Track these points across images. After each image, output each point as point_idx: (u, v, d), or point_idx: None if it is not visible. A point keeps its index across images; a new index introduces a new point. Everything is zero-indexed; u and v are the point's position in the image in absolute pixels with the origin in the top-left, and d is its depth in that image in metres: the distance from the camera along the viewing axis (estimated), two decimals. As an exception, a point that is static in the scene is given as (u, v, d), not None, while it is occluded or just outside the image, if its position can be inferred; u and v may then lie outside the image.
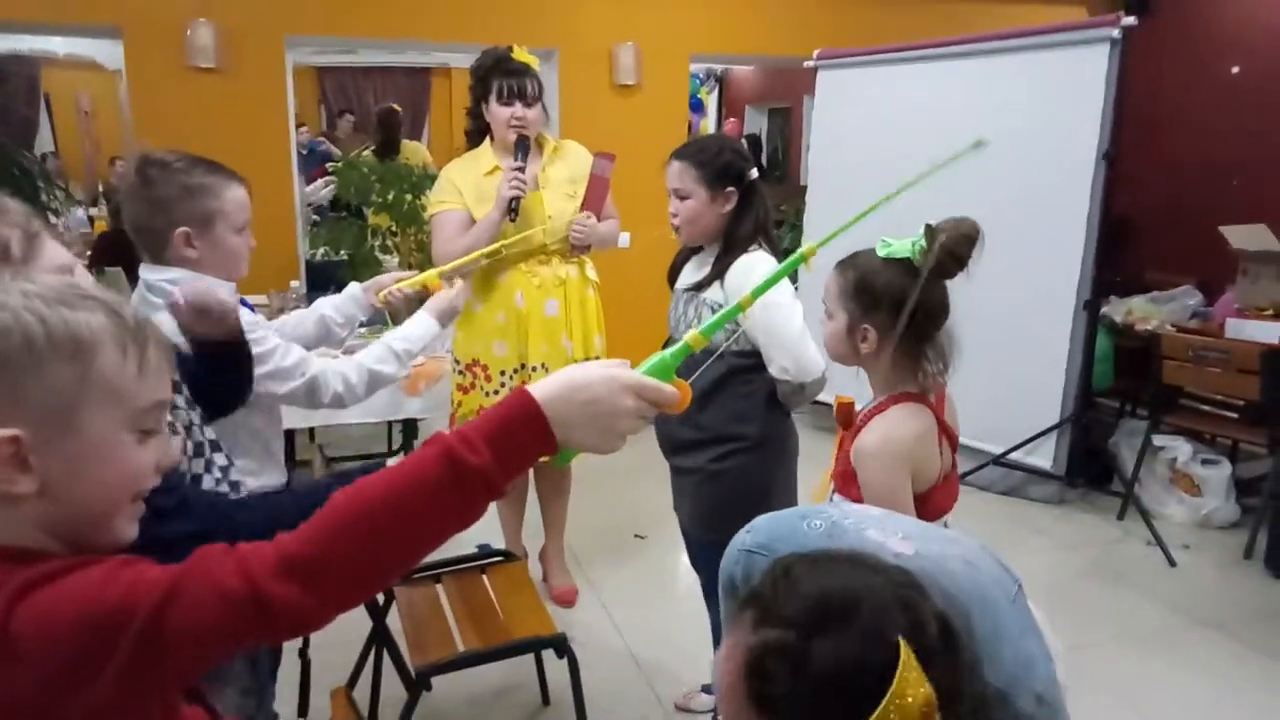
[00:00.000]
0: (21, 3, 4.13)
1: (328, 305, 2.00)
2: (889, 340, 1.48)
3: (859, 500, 1.51)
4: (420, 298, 1.97)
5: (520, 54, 2.65)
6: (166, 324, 1.57)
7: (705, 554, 2.17)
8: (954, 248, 1.41)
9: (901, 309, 1.43)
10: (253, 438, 1.71)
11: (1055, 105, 3.67)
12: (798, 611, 0.76)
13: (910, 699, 0.70)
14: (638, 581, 3.26)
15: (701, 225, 2.04)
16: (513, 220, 2.55)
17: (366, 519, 0.78)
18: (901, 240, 1.47)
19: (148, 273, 1.63)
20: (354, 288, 2.01)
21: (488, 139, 2.73)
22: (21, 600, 0.72)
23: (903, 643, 0.72)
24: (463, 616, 2.15)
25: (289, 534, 0.78)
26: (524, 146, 2.61)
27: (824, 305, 1.58)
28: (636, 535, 3.59)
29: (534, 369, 2.71)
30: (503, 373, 2.73)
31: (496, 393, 2.72)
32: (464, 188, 2.65)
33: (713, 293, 2.02)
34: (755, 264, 1.98)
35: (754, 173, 2.05)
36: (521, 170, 2.56)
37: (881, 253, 1.49)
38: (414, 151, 6.17)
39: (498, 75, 2.61)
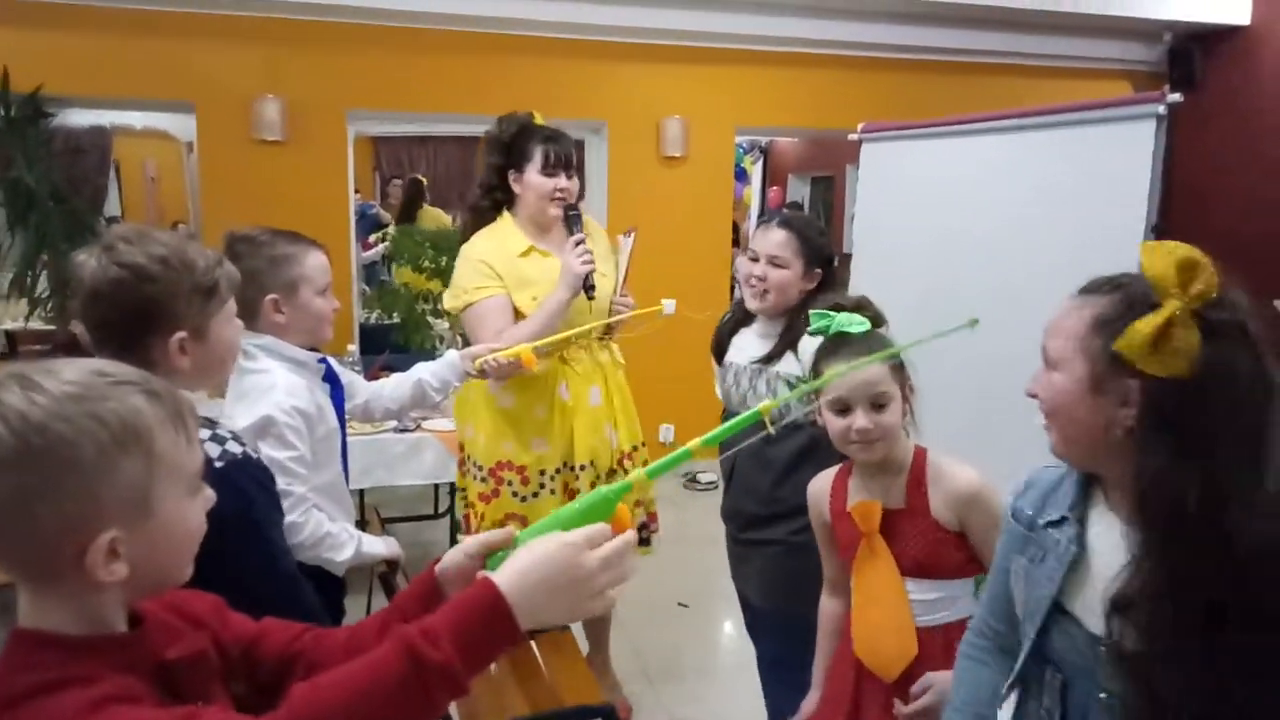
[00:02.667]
0: (107, 81, 4.40)
1: (425, 371, 2.06)
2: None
3: (959, 563, 1.52)
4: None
5: (542, 120, 2.43)
6: (279, 378, 1.71)
7: (773, 624, 2.15)
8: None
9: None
10: (324, 493, 1.79)
11: (1101, 180, 3.69)
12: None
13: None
14: (681, 650, 3.24)
15: (787, 296, 2.05)
16: (590, 298, 2.33)
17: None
18: (855, 321, 1.61)
19: (244, 339, 1.76)
20: (452, 355, 2.08)
21: (507, 215, 2.42)
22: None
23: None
24: (511, 682, 2.15)
25: None
26: (576, 219, 2.38)
27: (861, 403, 1.54)
28: (680, 604, 3.57)
29: (581, 469, 2.44)
30: (543, 473, 2.42)
31: (535, 495, 2.42)
32: (501, 271, 2.34)
33: (786, 364, 2.01)
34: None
35: (835, 260, 2.12)
36: (583, 243, 2.32)
37: (863, 330, 1.61)
38: (433, 218, 6.52)
39: (538, 141, 2.34)
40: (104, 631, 0.80)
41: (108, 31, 4.31)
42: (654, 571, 3.75)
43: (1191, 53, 5.37)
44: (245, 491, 1.29)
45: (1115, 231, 3.66)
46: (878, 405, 1.52)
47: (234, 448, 1.30)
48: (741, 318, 2.18)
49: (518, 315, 2.33)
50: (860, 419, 1.52)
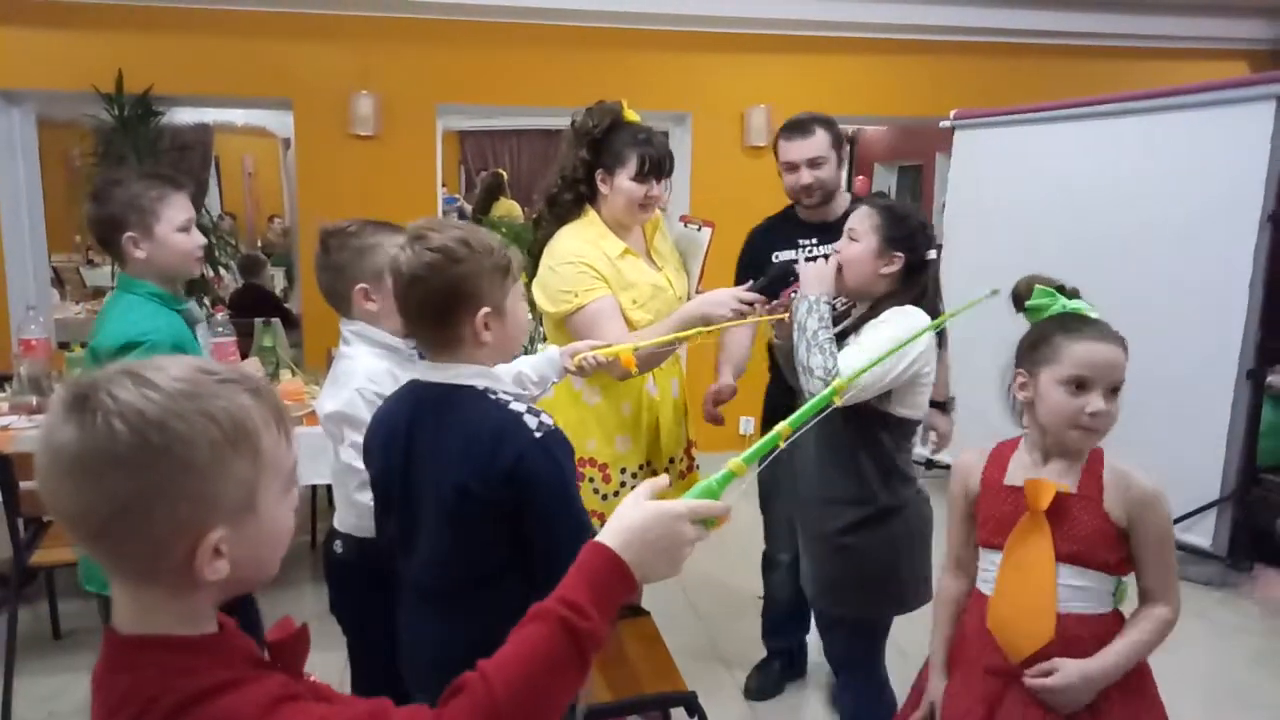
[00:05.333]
0: (212, 80, 4.60)
1: (526, 364, 2.04)
2: None
3: (1113, 561, 1.50)
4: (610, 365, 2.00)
5: (631, 114, 2.32)
6: (363, 362, 1.77)
7: (832, 628, 2.11)
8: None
9: None
10: None
11: (1214, 166, 3.51)
12: None
13: None
14: (758, 640, 3.21)
15: (856, 273, 1.93)
16: (704, 333, 2.17)
17: (511, 708, 0.81)
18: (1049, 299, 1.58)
19: (343, 325, 1.85)
20: (552, 350, 2.06)
21: (593, 213, 2.31)
22: None
23: None
24: (595, 668, 2.16)
25: (436, 715, 0.81)
26: (786, 277, 2.18)
27: (1103, 385, 1.50)
28: (759, 597, 3.54)
29: (669, 463, 2.39)
30: (624, 470, 2.34)
31: (616, 494, 2.34)
32: (604, 273, 2.22)
33: (852, 339, 1.93)
34: (899, 315, 1.87)
35: (931, 254, 1.94)
36: (757, 305, 2.14)
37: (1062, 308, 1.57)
38: (506, 209, 6.65)
39: (633, 145, 2.23)
40: (208, 630, 0.80)
41: (212, 33, 4.50)
42: (731, 564, 3.75)
43: (1314, 30, 5.06)
44: (559, 461, 1.37)
45: (1227, 221, 3.49)
46: (1113, 390, 1.49)
47: (547, 419, 1.39)
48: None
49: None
50: (1098, 401, 1.48)
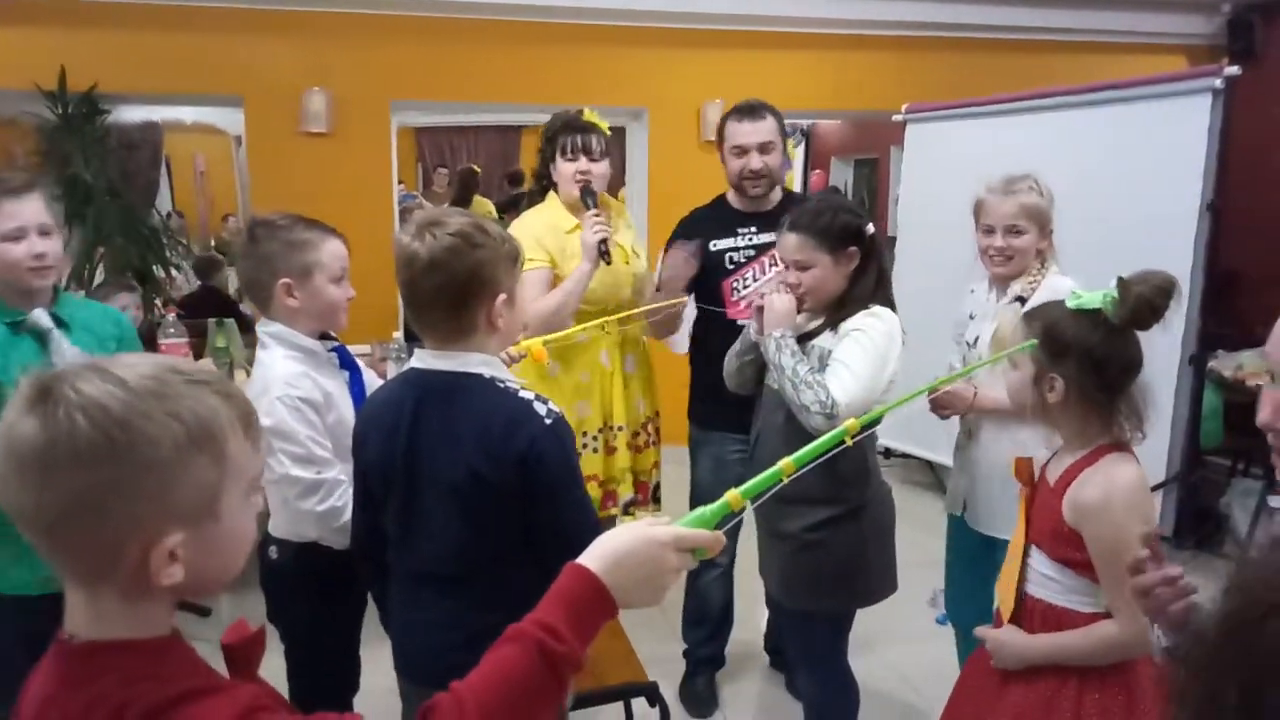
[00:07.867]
0: (159, 77, 4.51)
1: None
2: (1078, 391, 1.50)
3: (1072, 560, 1.49)
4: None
5: (590, 115, 2.58)
6: (278, 367, 1.74)
7: (796, 623, 2.12)
8: (1151, 299, 1.46)
9: (1090, 359, 1.48)
10: None
11: (1155, 157, 3.60)
12: None
13: None
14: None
15: (827, 291, 1.95)
16: (607, 263, 2.46)
17: None
18: (1092, 292, 1.50)
19: (260, 326, 1.82)
20: None
21: (553, 195, 2.60)
22: None
23: None
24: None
25: None
26: (591, 194, 2.51)
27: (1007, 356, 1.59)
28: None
29: (619, 429, 2.58)
30: (585, 433, 2.56)
31: (578, 454, 2.55)
32: (550, 246, 2.49)
33: (823, 340, 1.94)
34: (871, 319, 1.91)
35: (870, 227, 1.96)
36: (599, 215, 2.45)
37: (1071, 304, 1.51)
38: (483, 208, 6.62)
39: (565, 133, 2.53)
40: (164, 635, 0.78)
41: (158, 28, 4.41)
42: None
43: (1252, 24, 5.20)
44: (566, 446, 1.43)
45: (1169, 211, 3.58)
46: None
47: (554, 407, 1.43)
48: None
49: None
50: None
